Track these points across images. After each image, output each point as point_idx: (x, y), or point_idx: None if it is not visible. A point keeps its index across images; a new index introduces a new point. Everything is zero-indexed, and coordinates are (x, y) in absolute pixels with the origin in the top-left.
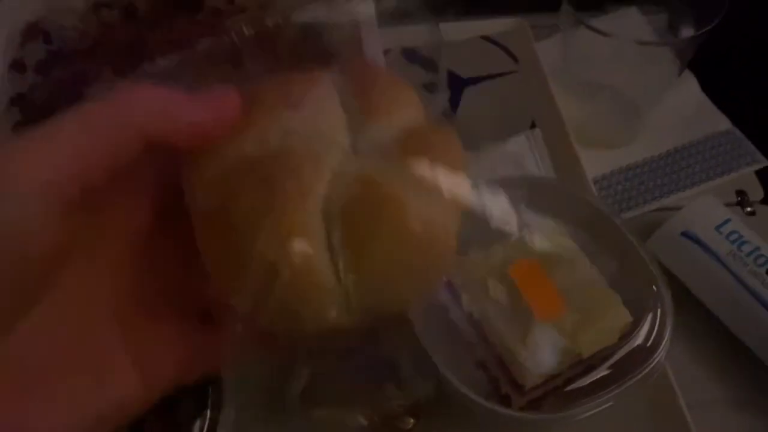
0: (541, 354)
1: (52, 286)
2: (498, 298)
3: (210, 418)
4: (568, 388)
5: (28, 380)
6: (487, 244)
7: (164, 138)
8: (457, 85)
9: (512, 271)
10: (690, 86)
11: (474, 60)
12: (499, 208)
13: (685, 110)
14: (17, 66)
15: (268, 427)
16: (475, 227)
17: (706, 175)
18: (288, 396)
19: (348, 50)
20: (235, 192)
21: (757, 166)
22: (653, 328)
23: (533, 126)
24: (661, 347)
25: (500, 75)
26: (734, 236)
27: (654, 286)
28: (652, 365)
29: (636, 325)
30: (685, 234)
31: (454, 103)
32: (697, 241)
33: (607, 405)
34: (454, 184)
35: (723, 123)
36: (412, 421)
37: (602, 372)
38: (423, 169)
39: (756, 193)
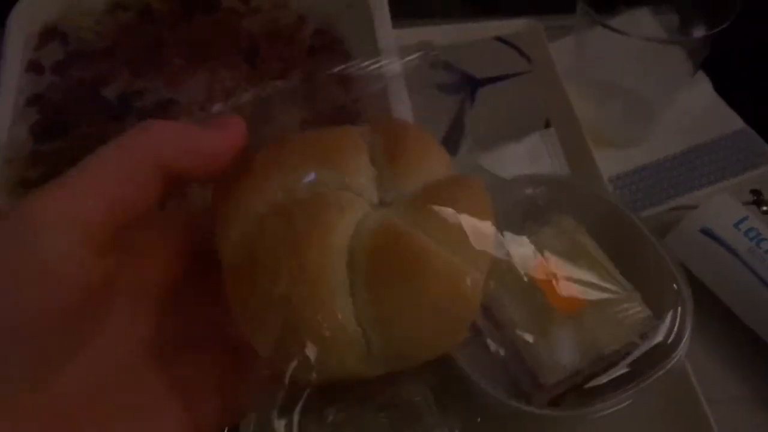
0: (562, 351)
1: (92, 333)
2: (518, 295)
3: None
4: (588, 385)
5: (67, 424)
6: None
7: (185, 171)
8: (472, 85)
9: (533, 269)
10: (703, 86)
11: (488, 61)
12: (522, 252)
13: (698, 110)
14: (35, 67)
15: None
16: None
17: (721, 174)
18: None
19: (362, 48)
20: (259, 238)
21: None
22: (673, 326)
23: (548, 125)
24: (682, 345)
25: (514, 75)
26: (753, 233)
27: (674, 284)
28: (672, 363)
29: (656, 322)
30: (703, 231)
31: (469, 103)
32: (715, 238)
33: (627, 402)
34: (480, 234)
35: (736, 122)
36: (430, 417)
37: (622, 369)
38: (448, 218)
39: None
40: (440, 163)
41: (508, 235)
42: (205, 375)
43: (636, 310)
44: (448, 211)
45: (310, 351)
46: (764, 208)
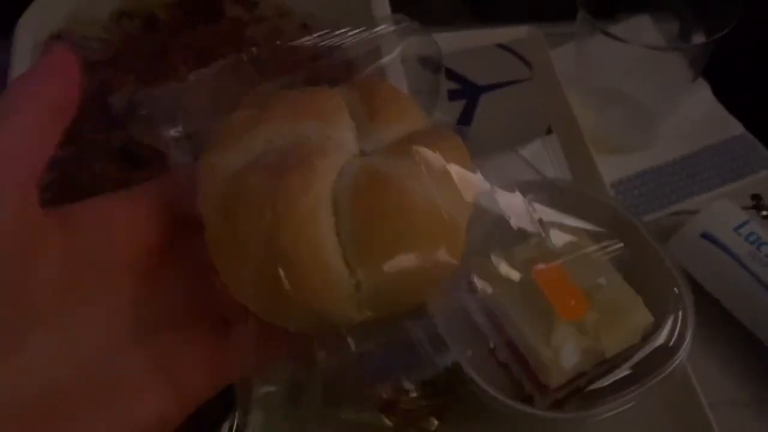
0: (565, 354)
1: (63, 314)
2: (521, 299)
3: (238, 420)
4: (590, 387)
5: (50, 408)
6: (509, 246)
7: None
8: (473, 92)
9: (535, 272)
10: (703, 92)
11: (490, 68)
12: (515, 206)
13: (698, 116)
14: None
15: (293, 429)
16: (496, 229)
17: (721, 180)
18: (311, 398)
19: (366, 61)
20: (243, 184)
21: None
22: (675, 329)
23: (549, 132)
24: (683, 348)
25: (516, 82)
26: (753, 237)
27: (676, 288)
28: (674, 365)
29: (657, 326)
30: (704, 235)
31: (471, 109)
32: (716, 242)
33: (629, 405)
34: (461, 176)
35: (736, 128)
36: (436, 422)
37: (624, 372)
38: (429, 159)
39: None
40: (417, 116)
41: (499, 189)
42: (188, 348)
43: (638, 313)
44: (428, 152)
45: (299, 293)
46: (764, 212)
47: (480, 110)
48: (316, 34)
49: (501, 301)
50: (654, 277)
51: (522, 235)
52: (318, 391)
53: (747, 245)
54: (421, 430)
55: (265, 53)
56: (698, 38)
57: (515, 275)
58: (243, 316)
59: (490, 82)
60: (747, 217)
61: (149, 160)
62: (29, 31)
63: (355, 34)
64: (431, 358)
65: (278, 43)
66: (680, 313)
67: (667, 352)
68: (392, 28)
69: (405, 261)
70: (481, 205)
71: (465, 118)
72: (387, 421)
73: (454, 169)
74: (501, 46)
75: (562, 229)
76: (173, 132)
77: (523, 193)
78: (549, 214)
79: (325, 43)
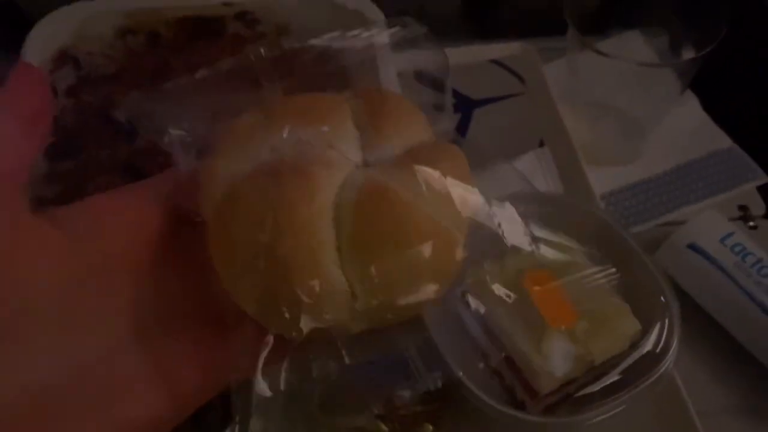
0: (555, 361)
1: (61, 315)
2: (512, 307)
3: (239, 427)
4: (580, 393)
5: (45, 409)
6: (500, 255)
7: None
8: (468, 106)
9: (525, 281)
10: (692, 105)
11: (484, 82)
12: (509, 221)
13: (687, 129)
14: None
15: None
16: (489, 240)
17: (710, 191)
18: (309, 404)
19: (363, 74)
20: (245, 193)
21: (758, 182)
22: (661, 336)
23: (542, 145)
24: (670, 354)
25: (509, 96)
26: (738, 248)
27: (662, 297)
28: (661, 371)
29: (645, 333)
30: (691, 246)
31: (465, 123)
32: (702, 253)
33: (619, 409)
34: (460, 192)
35: (724, 141)
36: (431, 428)
37: (613, 378)
38: (431, 176)
39: (758, 208)
40: (421, 127)
41: (493, 201)
42: (186, 349)
43: (626, 321)
44: (431, 171)
45: (297, 302)
46: (751, 223)
47: (474, 124)
48: (326, 36)
49: (493, 310)
50: (641, 286)
51: (513, 245)
52: (315, 399)
53: (732, 256)
54: None
55: (272, 55)
56: (688, 52)
57: (507, 284)
58: (241, 320)
59: (484, 97)
60: (733, 228)
61: (153, 173)
62: (37, 47)
63: (360, 34)
64: (422, 376)
65: (284, 46)
66: (667, 321)
67: (654, 358)
68: (400, 32)
69: (402, 277)
70: (490, 211)
71: (459, 132)
72: (383, 427)
73: (455, 185)
74: (494, 61)
75: (551, 240)
76: (177, 130)
77: (515, 204)
78: (539, 224)
79: (329, 45)
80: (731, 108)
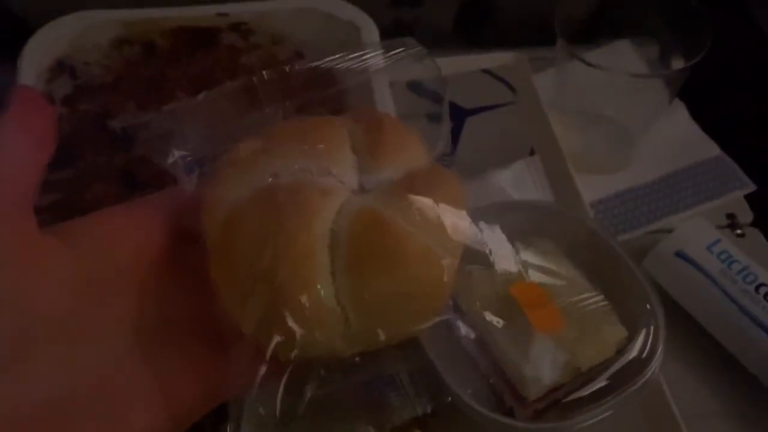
0: (543, 367)
1: (66, 329)
2: (501, 315)
3: None
4: (568, 398)
5: (48, 421)
6: (489, 263)
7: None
8: (460, 115)
9: (514, 289)
10: (680, 114)
11: (475, 92)
12: (498, 246)
13: (676, 137)
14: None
15: None
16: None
17: (698, 199)
18: (299, 412)
19: (359, 94)
20: (245, 220)
21: (746, 190)
22: (647, 342)
23: (532, 153)
24: (655, 359)
25: (500, 106)
26: (724, 255)
27: (648, 304)
28: (647, 376)
29: (631, 339)
30: (678, 254)
31: (457, 132)
32: (689, 260)
33: (606, 414)
34: (454, 221)
35: (712, 149)
36: None
37: (600, 383)
38: (425, 206)
39: (745, 215)
40: (418, 153)
41: (480, 221)
42: (185, 365)
43: (612, 328)
44: (425, 200)
45: (293, 327)
46: (738, 231)
47: (466, 132)
48: (327, 59)
49: (482, 317)
50: (628, 293)
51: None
52: (303, 408)
53: (718, 263)
54: None
55: (273, 77)
56: (677, 61)
57: (496, 292)
58: (240, 339)
59: (475, 106)
60: (719, 236)
61: (150, 182)
62: (34, 57)
63: (361, 56)
64: (411, 401)
65: (285, 68)
66: (652, 328)
67: (640, 364)
68: (400, 53)
69: (395, 304)
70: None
71: (451, 140)
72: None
73: (449, 212)
74: (486, 71)
75: (540, 248)
76: (180, 151)
77: (504, 212)
78: (528, 233)
79: (327, 65)
80: (719, 117)
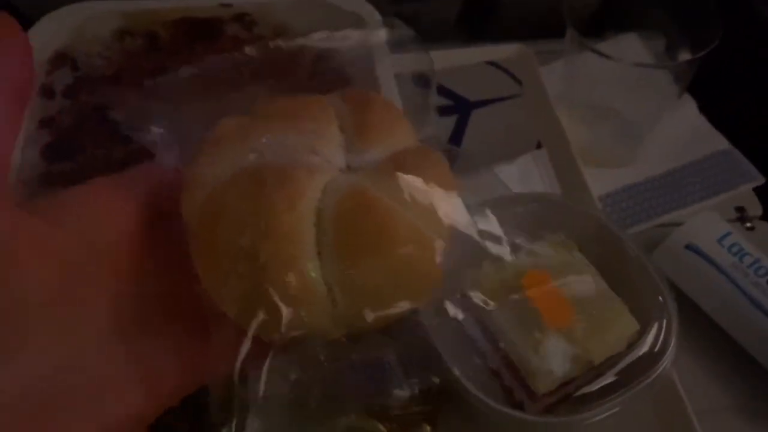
0: (554, 361)
1: (48, 313)
2: (511, 308)
3: (236, 426)
4: (579, 393)
5: (28, 408)
6: (494, 255)
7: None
8: (465, 108)
9: (524, 281)
10: (689, 108)
11: (481, 84)
12: (490, 230)
13: (684, 131)
14: (46, 91)
15: None
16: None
17: (706, 193)
18: (306, 405)
19: (361, 75)
20: (227, 197)
21: (755, 183)
22: (659, 337)
23: (539, 146)
24: (667, 354)
25: (506, 98)
26: (736, 248)
27: (660, 297)
28: (659, 371)
29: (643, 333)
30: (688, 247)
31: (463, 125)
32: (700, 253)
33: (617, 409)
34: (443, 200)
35: (721, 143)
36: (429, 428)
37: (611, 378)
38: (414, 185)
39: (755, 209)
40: (406, 133)
41: (475, 210)
42: (166, 347)
43: (624, 321)
44: (413, 179)
45: (278, 305)
46: (748, 224)
47: (471, 125)
48: (315, 36)
49: (492, 311)
50: (639, 286)
51: (512, 246)
52: (314, 401)
53: (730, 256)
54: None
55: (259, 55)
56: (684, 55)
57: (505, 285)
58: (222, 320)
59: (481, 98)
60: (730, 229)
61: None
62: (34, 48)
63: (346, 36)
64: (400, 382)
65: (273, 45)
66: (664, 321)
67: (652, 358)
68: (384, 35)
69: (383, 285)
70: (471, 219)
71: (457, 133)
72: (381, 427)
73: (438, 193)
74: (492, 63)
75: (551, 241)
76: (159, 128)
77: (512, 205)
78: (538, 226)
79: (315, 45)
80: (728, 110)
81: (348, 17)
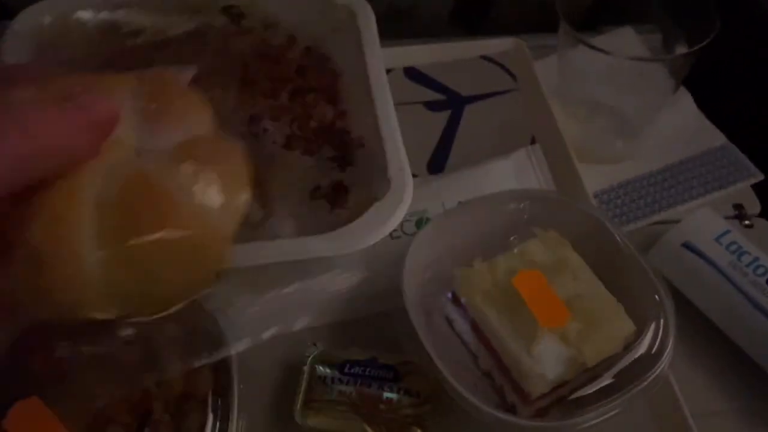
0: (547, 363)
1: None
2: (503, 309)
3: (219, 430)
4: (573, 396)
5: None
6: (490, 255)
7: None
8: (459, 102)
9: (516, 281)
10: (685, 103)
11: (474, 79)
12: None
13: (681, 126)
14: None
15: None
16: (479, 241)
17: (704, 189)
18: (292, 407)
19: (350, 68)
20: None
21: (753, 180)
22: (656, 337)
23: (533, 142)
24: (665, 356)
25: (500, 93)
26: (734, 247)
27: (656, 296)
28: (656, 374)
29: (639, 334)
30: (685, 245)
31: (456, 120)
32: (697, 251)
33: (612, 413)
34: (231, 195)
35: (718, 138)
36: (419, 431)
37: (607, 380)
38: (200, 173)
39: (753, 206)
40: (202, 119)
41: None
42: None
43: (619, 322)
44: (200, 166)
45: (54, 290)
46: (746, 222)
47: (465, 120)
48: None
49: (484, 311)
50: (635, 285)
51: (504, 245)
52: (299, 404)
53: (727, 254)
54: None
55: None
56: (680, 49)
57: (498, 285)
58: None
59: (474, 93)
60: (728, 227)
61: None
62: (17, 40)
63: None
64: (169, 362)
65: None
66: (662, 321)
67: (649, 360)
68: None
69: (159, 264)
70: (466, 216)
71: (450, 128)
72: (370, 430)
73: (228, 186)
74: (486, 57)
75: (544, 239)
76: None
77: (508, 201)
78: (531, 223)
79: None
80: (725, 105)
81: (340, 10)
